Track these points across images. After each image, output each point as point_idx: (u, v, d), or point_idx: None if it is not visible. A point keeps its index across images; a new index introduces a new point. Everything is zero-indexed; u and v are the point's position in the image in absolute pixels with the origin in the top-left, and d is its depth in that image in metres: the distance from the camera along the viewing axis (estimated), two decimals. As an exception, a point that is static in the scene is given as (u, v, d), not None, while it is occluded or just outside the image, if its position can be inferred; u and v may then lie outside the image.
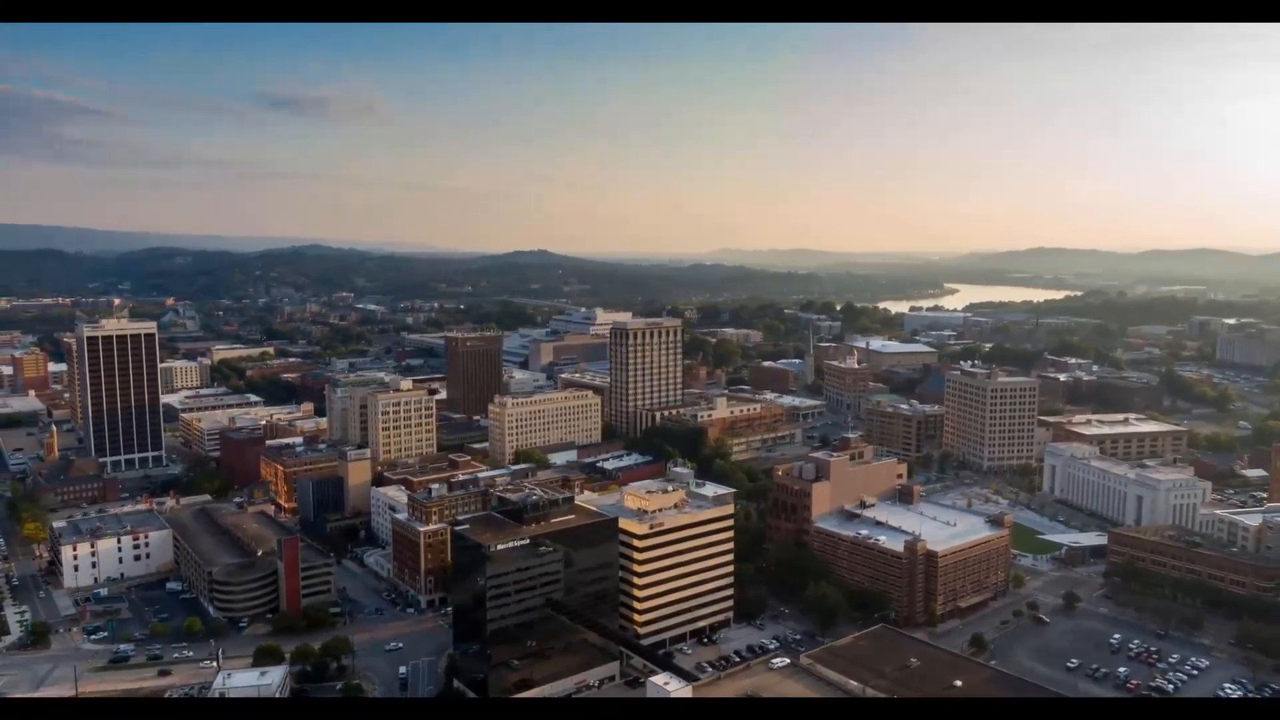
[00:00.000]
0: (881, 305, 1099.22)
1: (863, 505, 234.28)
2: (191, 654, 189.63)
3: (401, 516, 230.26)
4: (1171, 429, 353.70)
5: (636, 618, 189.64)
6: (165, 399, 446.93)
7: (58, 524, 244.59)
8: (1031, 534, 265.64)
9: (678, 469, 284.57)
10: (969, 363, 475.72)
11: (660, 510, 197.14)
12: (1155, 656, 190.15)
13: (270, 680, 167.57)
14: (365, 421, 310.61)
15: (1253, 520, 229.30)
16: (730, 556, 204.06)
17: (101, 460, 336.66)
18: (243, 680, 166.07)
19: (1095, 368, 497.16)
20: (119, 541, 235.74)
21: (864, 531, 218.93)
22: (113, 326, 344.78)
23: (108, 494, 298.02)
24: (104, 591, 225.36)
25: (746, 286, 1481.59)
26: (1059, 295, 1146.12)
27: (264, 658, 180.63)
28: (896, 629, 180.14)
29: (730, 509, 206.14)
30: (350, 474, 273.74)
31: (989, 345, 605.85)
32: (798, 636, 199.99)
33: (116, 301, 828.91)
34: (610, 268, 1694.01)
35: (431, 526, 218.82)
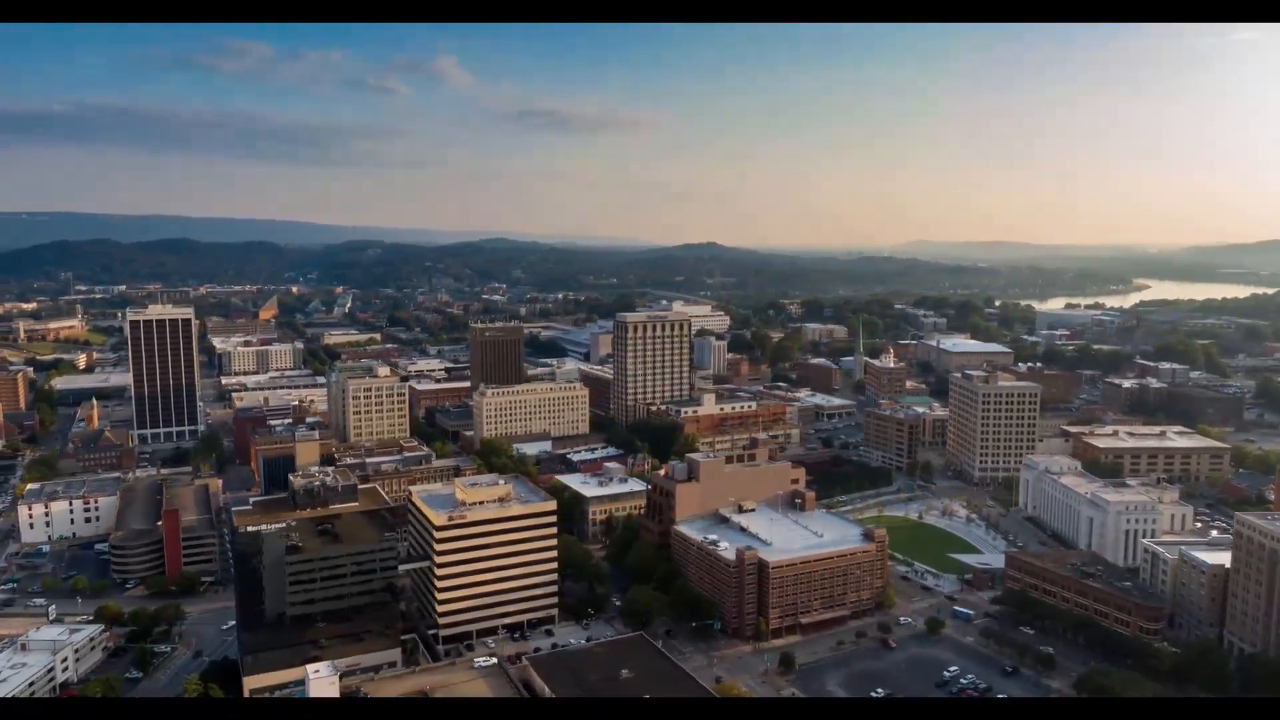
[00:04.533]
0: (1030, 302, 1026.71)
1: (739, 509, 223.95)
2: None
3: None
4: (1211, 445, 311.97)
5: (437, 607, 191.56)
6: (247, 379, 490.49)
7: (31, 486, 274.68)
8: (962, 551, 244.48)
9: (610, 464, 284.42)
10: (1030, 365, 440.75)
11: (480, 503, 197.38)
12: (979, 694, 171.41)
13: (77, 637, 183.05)
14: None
15: (1174, 554, 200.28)
16: (553, 554, 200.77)
17: (141, 432, 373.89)
18: (49, 635, 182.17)
19: (1194, 374, 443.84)
20: (70, 504, 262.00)
21: (713, 536, 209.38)
22: (154, 311, 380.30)
23: (123, 463, 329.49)
24: (47, 548, 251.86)
25: (909, 280, 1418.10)
26: (1245, 293, 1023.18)
27: (103, 617, 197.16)
28: (651, 640, 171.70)
29: (552, 505, 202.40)
30: (300, 453, 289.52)
31: (1074, 345, 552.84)
32: (614, 637, 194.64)
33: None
34: (766, 260, 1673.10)
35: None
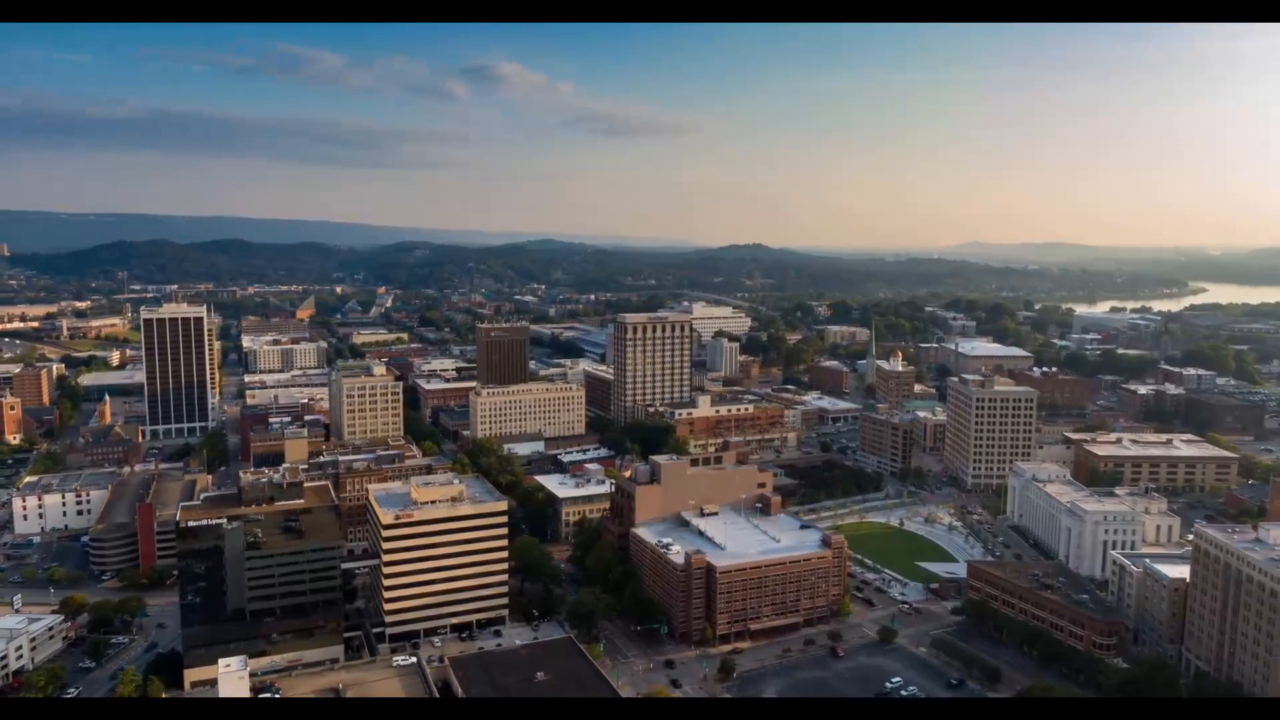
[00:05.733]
0: (1072, 305, 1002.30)
1: (701, 513, 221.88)
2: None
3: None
4: (1218, 454, 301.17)
5: (386, 605, 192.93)
6: (269, 376, 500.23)
7: (29, 479, 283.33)
8: (938, 559, 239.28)
9: (590, 465, 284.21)
10: (1045, 369, 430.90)
11: (432, 503, 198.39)
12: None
13: (35, 627, 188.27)
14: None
15: (1139, 567, 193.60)
16: (504, 554, 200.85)
17: (153, 428, 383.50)
18: (8, 624, 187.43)
19: (1220, 381, 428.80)
20: (63, 497, 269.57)
21: (667, 539, 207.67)
22: (168, 310, 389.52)
23: (129, 458, 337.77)
24: (37, 539, 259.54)
25: (956, 282, 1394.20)
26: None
27: (67, 608, 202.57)
28: (577, 643, 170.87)
29: (503, 506, 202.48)
30: (288, 450, 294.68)
31: (1099, 350, 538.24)
32: (559, 639, 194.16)
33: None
34: (810, 261, 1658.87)
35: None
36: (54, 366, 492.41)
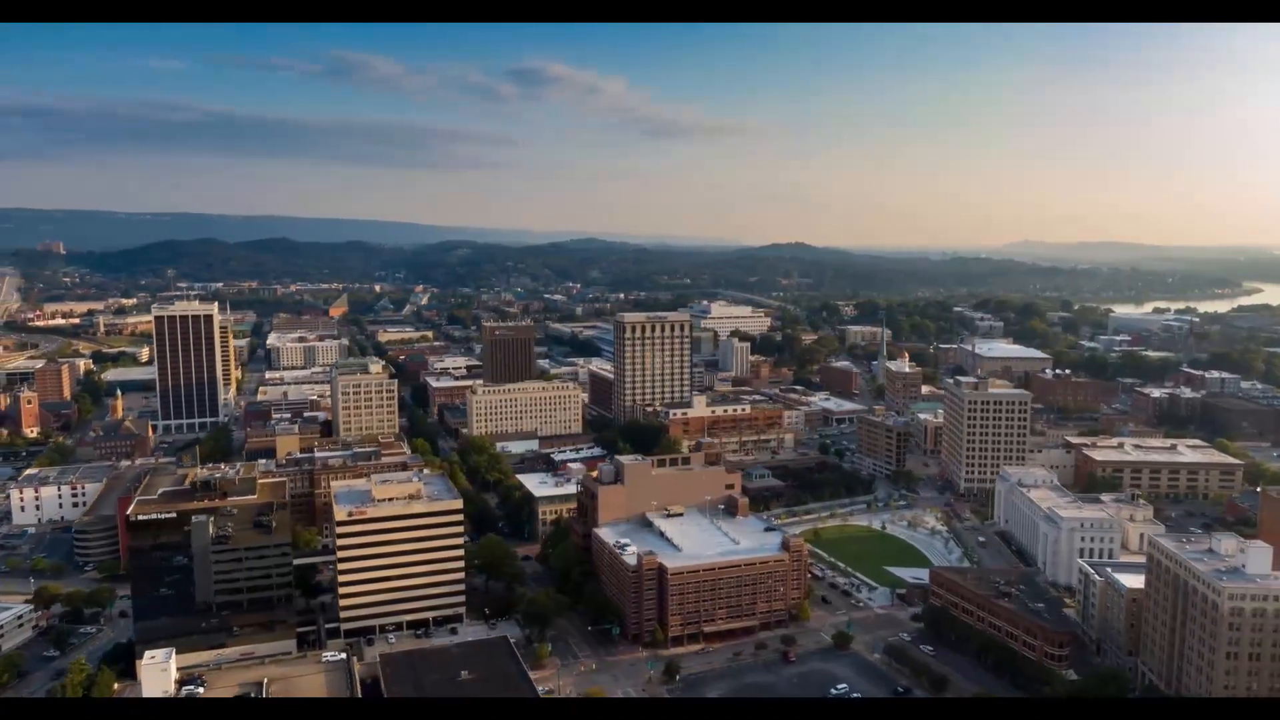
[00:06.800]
0: (1113, 305, 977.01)
1: (667, 514, 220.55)
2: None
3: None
4: (1223, 461, 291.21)
5: (340, 601, 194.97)
6: (289, 373, 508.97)
7: (30, 471, 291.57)
8: (914, 564, 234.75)
9: (572, 464, 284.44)
10: (1058, 371, 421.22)
11: (390, 500, 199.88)
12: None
13: (5, 615, 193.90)
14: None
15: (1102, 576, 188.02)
16: (459, 553, 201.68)
17: (166, 423, 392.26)
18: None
19: (1245, 385, 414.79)
20: (59, 490, 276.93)
21: (625, 540, 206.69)
22: (179, 308, 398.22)
23: (137, 451, 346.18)
24: (32, 530, 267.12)
25: (999, 281, 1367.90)
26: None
27: (40, 598, 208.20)
28: (510, 643, 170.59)
29: (458, 505, 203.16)
30: (279, 446, 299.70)
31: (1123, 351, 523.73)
32: (515, 639, 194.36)
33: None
34: (850, 260, 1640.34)
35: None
36: (80, 362, 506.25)
